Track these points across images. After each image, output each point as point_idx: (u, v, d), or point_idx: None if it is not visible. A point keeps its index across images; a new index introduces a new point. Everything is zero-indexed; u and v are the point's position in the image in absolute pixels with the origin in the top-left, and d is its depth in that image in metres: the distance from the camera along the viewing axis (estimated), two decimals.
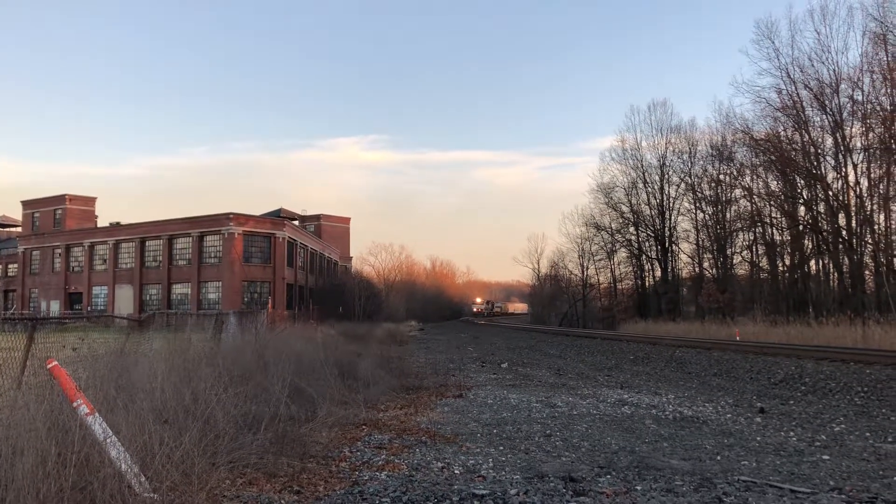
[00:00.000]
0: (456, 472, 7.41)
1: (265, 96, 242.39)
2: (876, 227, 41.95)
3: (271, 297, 63.85)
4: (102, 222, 77.84)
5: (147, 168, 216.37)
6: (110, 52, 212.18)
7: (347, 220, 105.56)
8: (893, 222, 41.23)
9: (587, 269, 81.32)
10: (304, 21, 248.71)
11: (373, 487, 6.52)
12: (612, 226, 71.93)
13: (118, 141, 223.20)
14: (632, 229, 69.85)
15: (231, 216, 63.50)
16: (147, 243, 68.15)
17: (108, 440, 5.44)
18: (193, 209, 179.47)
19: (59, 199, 77.00)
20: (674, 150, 64.96)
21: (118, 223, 72.85)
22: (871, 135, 41.77)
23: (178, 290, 66.00)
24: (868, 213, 42.00)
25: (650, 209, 67.21)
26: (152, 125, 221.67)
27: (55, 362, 5.90)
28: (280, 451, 7.34)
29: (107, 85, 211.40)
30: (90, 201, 79.63)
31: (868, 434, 9.98)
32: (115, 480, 5.20)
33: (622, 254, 73.36)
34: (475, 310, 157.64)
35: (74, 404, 5.61)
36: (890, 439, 9.55)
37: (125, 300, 67.29)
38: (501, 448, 8.86)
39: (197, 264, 64.46)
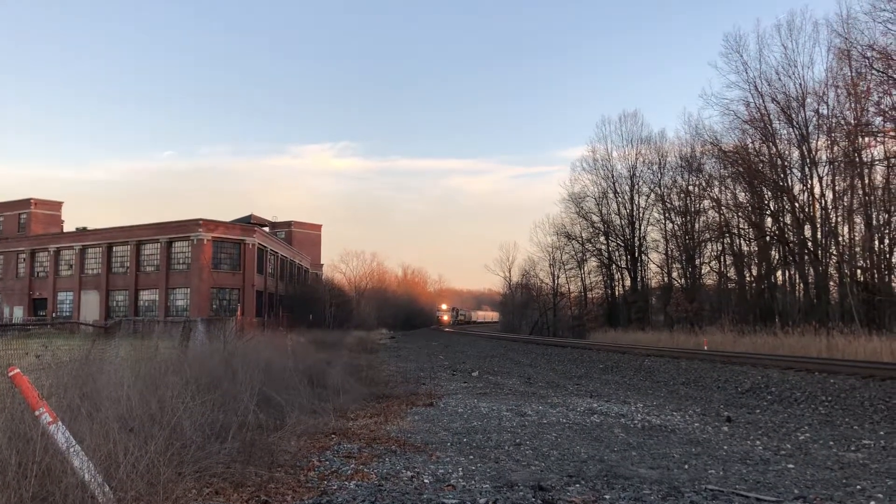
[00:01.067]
0: (425, 481, 7.38)
1: (235, 101, 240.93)
2: (840, 238, 42.83)
3: (240, 304, 63.22)
4: (69, 227, 76.64)
5: (115, 172, 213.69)
6: (79, 54, 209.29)
7: (319, 227, 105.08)
8: (857, 234, 42.10)
9: (558, 277, 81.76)
10: (274, 26, 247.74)
11: (341, 497, 6.46)
12: (583, 235, 72.48)
13: (86, 144, 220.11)
14: (602, 239, 70.47)
15: (200, 222, 62.84)
16: (114, 249, 67.18)
17: (72, 449, 5.33)
18: (162, 215, 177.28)
19: (24, 203, 75.67)
20: (644, 161, 65.74)
21: (85, 228, 71.68)
22: (835, 148, 42.73)
23: (146, 296, 65.12)
24: (833, 224, 42.87)
25: (620, 219, 67.89)
26: (121, 128, 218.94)
27: (17, 370, 5.76)
28: (248, 460, 7.25)
29: (74, 87, 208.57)
30: (56, 206, 78.41)
31: (832, 443, 10.15)
32: (78, 490, 5.10)
33: (592, 263, 73.90)
34: (442, 318, 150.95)
35: (37, 413, 5.49)
36: (853, 448, 9.71)
37: (91, 306, 66.17)
38: (471, 457, 8.85)
39: (165, 270, 63.65)
